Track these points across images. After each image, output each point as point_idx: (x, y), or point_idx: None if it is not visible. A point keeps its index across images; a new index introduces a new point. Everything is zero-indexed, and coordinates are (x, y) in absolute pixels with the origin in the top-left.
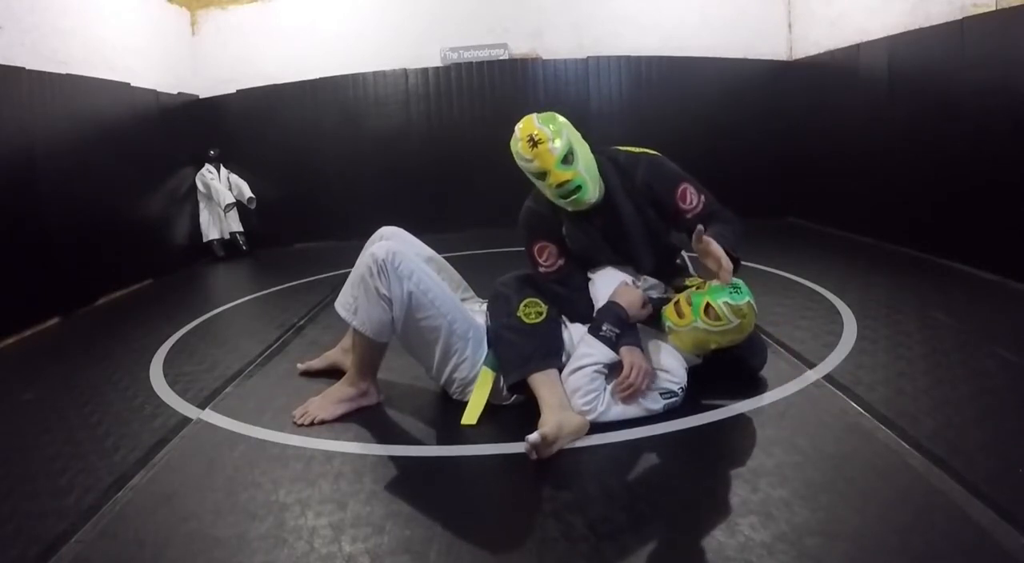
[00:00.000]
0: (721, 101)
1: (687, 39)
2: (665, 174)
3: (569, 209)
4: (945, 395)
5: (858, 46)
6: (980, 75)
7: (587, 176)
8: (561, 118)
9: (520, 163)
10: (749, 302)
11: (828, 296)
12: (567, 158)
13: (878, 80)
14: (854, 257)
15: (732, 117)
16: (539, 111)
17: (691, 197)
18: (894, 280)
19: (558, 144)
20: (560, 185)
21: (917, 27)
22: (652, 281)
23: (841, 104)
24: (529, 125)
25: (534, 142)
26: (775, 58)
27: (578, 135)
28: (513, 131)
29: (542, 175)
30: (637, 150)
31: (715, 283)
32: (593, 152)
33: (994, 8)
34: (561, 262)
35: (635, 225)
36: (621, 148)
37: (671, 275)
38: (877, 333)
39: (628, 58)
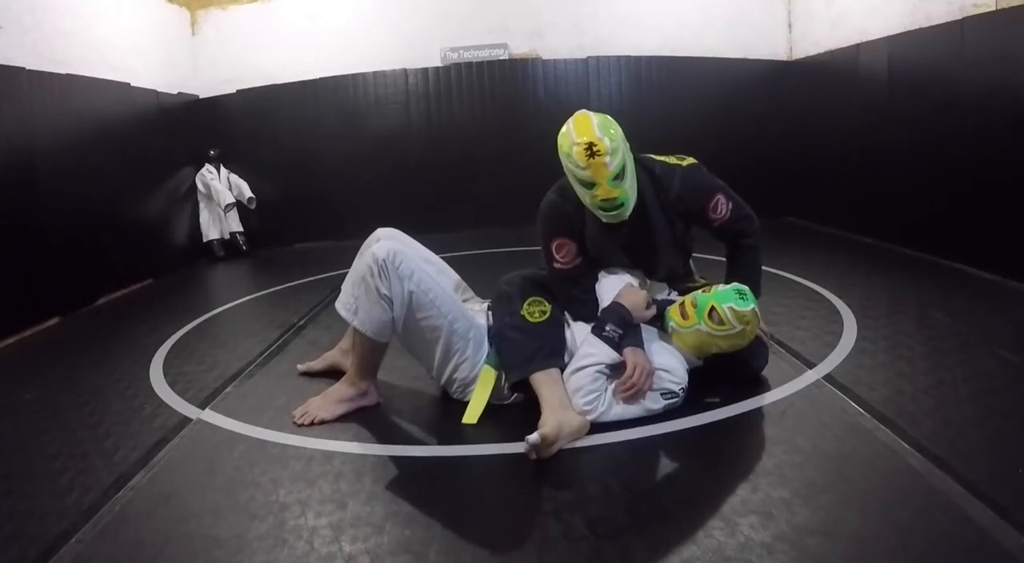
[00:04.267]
0: (721, 101)
1: (687, 39)
2: (698, 187)
3: (603, 220)
4: (945, 395)
5: (858, 46)
6: (980, 75)
7: (631, 193)
8: (616, 125)
9: (568, 164)
10: (754, 309)
11: (828, 296)
12: (620, 175)
13: (878, 80)
14: (854, 257)
15: (732, 117)
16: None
17: (721, 207)
18: (894, 280)
19: (616, 159)
20: (606, 200)
21: (917, 27)
22: (658, 285)
23: (841, 104)
24: (588, 130)
25: (592, 152)
26: (775, 58)
27: (627, 145)
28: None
29: (590, 185)
30: (672, 160)
31: (721, 287)
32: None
33: (994, 8)
34: (578, 261)
35: (663, 237)
36: (656, 157)
37: (678, 279)
38: (877, 333)
39: (628, 58)
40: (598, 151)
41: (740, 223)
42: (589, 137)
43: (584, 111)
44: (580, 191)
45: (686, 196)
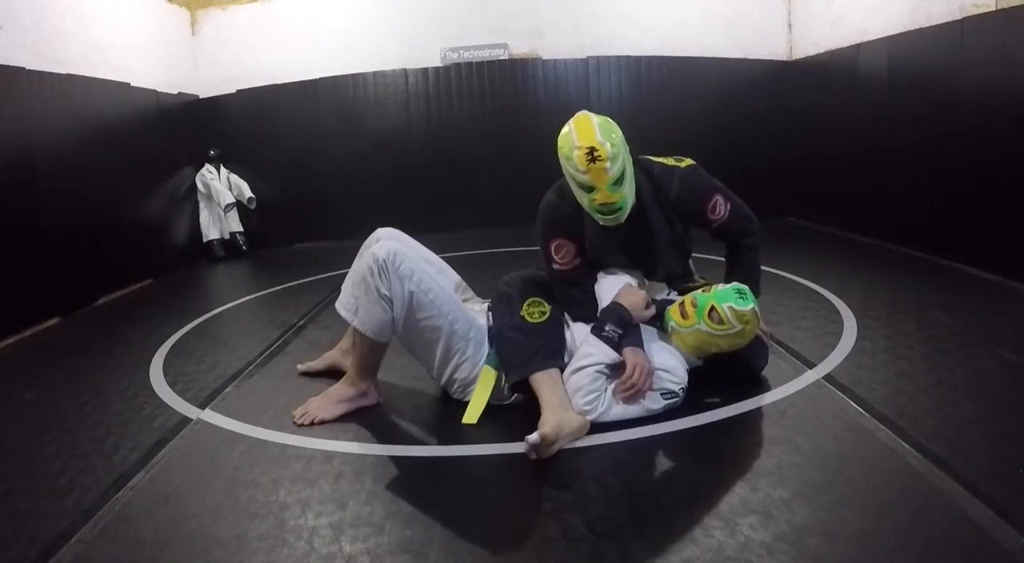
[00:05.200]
0: (721, 101)
1: (687, 39)
2: (696, 188)
3: (601, 223)
4: (945, 395)
5: (858, 46)
6: (980, 75)
7: (629, 198)
8: (617, 129)
9: (567, 167)
10: (754, 309)
11: (828, 296)
12: (619, 180)
13: (878, 80)
14: (854, 257)
15: (732, 117)
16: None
17: (720, 208)
18: (894, 280)
19: (616, 165)
20: (605, 204)
21: (917, 27)
22: (657, 284)
23: (841, 104)
24: (590, 134)
25: (593, 157)
26: (775, 58)
27: (627, 149)
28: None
29: (589, 189)
30: (670, 162)
31: (721, 287)
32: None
33: (994, 8)
34: (577, 261)
35: (662, 239)
36: (655, 158)
37: (677, 279)
38: (877, 333)
39: (628, 58)
40: (599, 156)
41: (739, 223)
42: (591, 142)
43: (586, 113)
44: (579, 194)
45: (685, 197)
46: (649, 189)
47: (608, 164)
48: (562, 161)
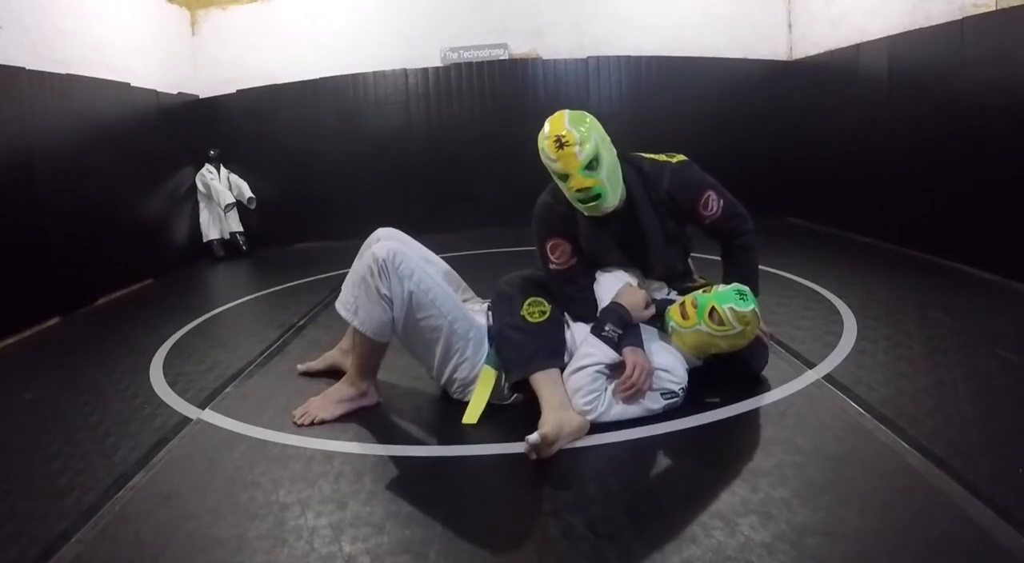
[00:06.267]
0: (721, 101)
1: (687, 39)
2: (688, 183)
3: (585, 214)
4: (945, 395)
5: (858, 46)
6: (980, 75)
7: (609, 185)
8: (591, 119)
9: (544, 160)
10: (754, 310)
11: (828, 296)
12: (591, 164)
13: (878, 80)
14: (854, 257)
15: (732, 117)
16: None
17: (712, 204)
18: (894, 280)
19: (585, 149)
20: (580, 190)
21: (917, 27)
22: (657, 284)
23: (841, 104)
24: (559, 124)
25: (561, 143)
26: (775, 58)
27: (607, 140)
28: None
29: (564, 177)
30: (662, 158)
31: (722, 287)
32: (619, 158)
33: (994, 8)
34: (573, 261)
35: (654, 235)
36: (646, 155)
37: (677, 278)
38: (877, 333)
39: (628, 58)
40: (566, 142)
41: (732, 221)
42: (558, 130)
43: (561, 110)
44: (561, 186)
45: (676, 193)
46: (640, 185)
47: (577, 149)
48: (542, 158)
